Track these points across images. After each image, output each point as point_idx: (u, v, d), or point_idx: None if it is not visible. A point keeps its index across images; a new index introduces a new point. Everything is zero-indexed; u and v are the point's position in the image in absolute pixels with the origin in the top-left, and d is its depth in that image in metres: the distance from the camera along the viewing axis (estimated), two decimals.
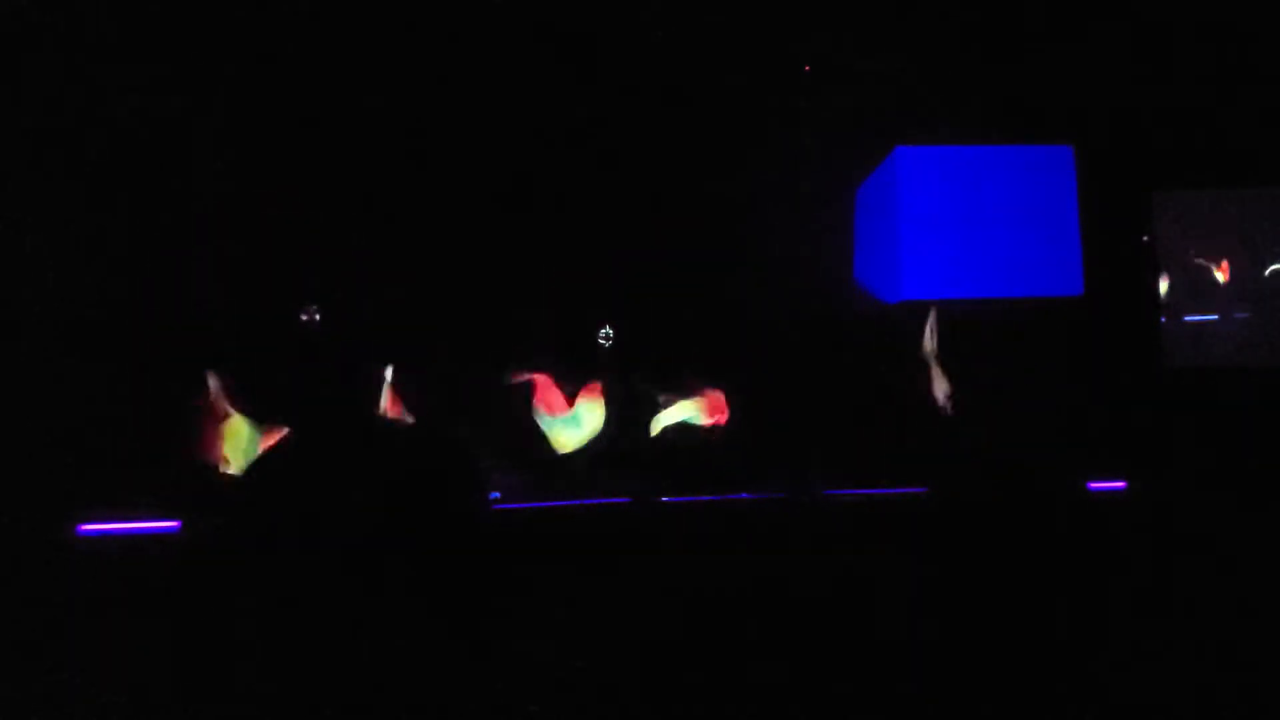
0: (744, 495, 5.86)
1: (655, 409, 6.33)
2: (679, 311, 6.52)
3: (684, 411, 6.33)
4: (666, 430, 6.33)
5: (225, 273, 6.16)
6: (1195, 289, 7.03)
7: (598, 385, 6.30)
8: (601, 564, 4.68)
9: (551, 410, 6.24)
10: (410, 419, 6.11)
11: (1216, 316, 6.99)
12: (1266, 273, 6.95)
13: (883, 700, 3.85)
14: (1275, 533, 4.91)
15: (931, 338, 6.51)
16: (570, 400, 6.26)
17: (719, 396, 6.34)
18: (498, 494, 5.78)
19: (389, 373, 6.15)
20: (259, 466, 5.72)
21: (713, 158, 6.65)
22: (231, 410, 5.81)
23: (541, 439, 6.25)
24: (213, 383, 5.82)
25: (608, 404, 6.29)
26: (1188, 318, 7.01)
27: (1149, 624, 4.20)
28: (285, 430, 5.89)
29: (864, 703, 3.86)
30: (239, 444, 5.83)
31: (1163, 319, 6.99)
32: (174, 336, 6.00)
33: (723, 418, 6.32)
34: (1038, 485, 4.84)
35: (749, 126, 6.73)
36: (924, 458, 5.90)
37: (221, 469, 5.76)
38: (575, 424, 6.26)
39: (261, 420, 5.85)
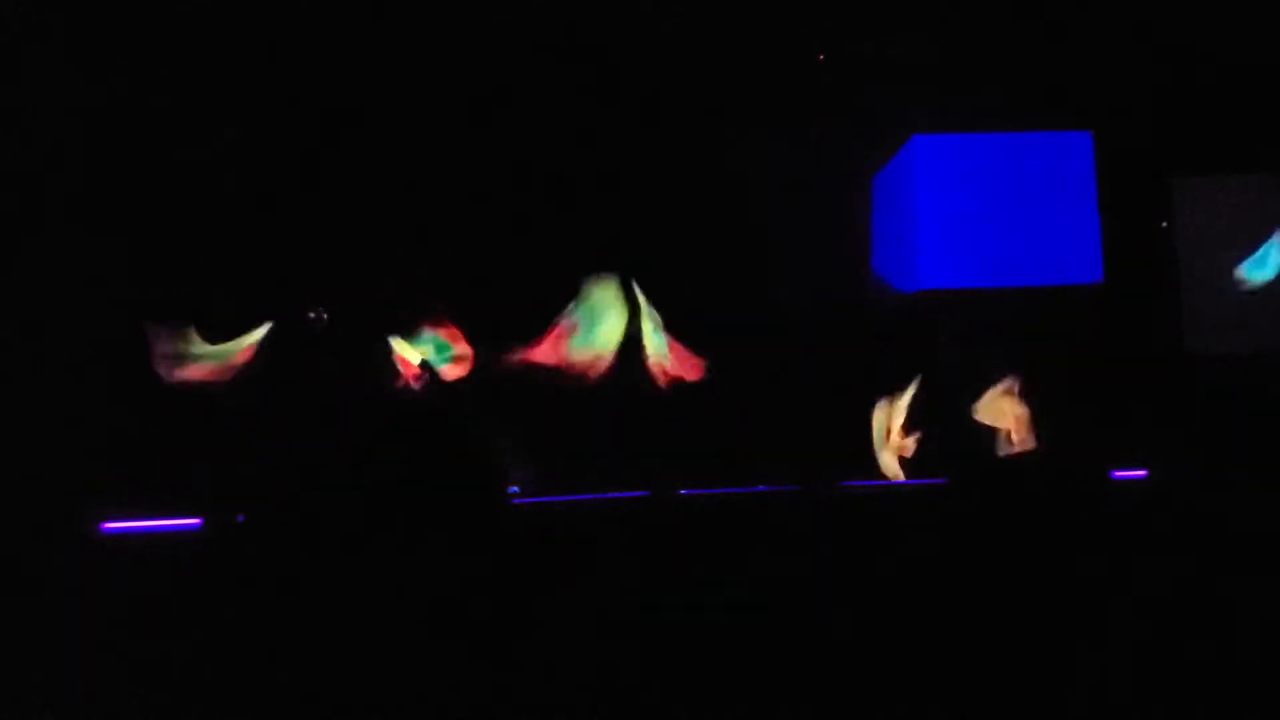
0: (760, 488, 5.86)
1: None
2: (694, 302, 6.51)
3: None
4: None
5: (239, 273, 6.19)
6: (1216, 275, 6.97)
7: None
8: (619, 559, 4.68)
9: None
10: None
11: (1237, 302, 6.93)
12: None
13: (901, 693, 3.86)
14: None
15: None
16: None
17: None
18: (516, 488, 5.79)
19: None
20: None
21: (728, 147, 6.64)
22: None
23: (559, 431, 6.25)
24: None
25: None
26: (1208, 304, 6.95)
27: (1171, 613, 4.18)
28: None
29: (881, 696, 3.87)
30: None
31: (1183, 305, 6.94)
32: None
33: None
34: (1058, 474, 4.83)
35: (764, 116, 6.71)
36: (943, 448, 5.89)
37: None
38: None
39: None
